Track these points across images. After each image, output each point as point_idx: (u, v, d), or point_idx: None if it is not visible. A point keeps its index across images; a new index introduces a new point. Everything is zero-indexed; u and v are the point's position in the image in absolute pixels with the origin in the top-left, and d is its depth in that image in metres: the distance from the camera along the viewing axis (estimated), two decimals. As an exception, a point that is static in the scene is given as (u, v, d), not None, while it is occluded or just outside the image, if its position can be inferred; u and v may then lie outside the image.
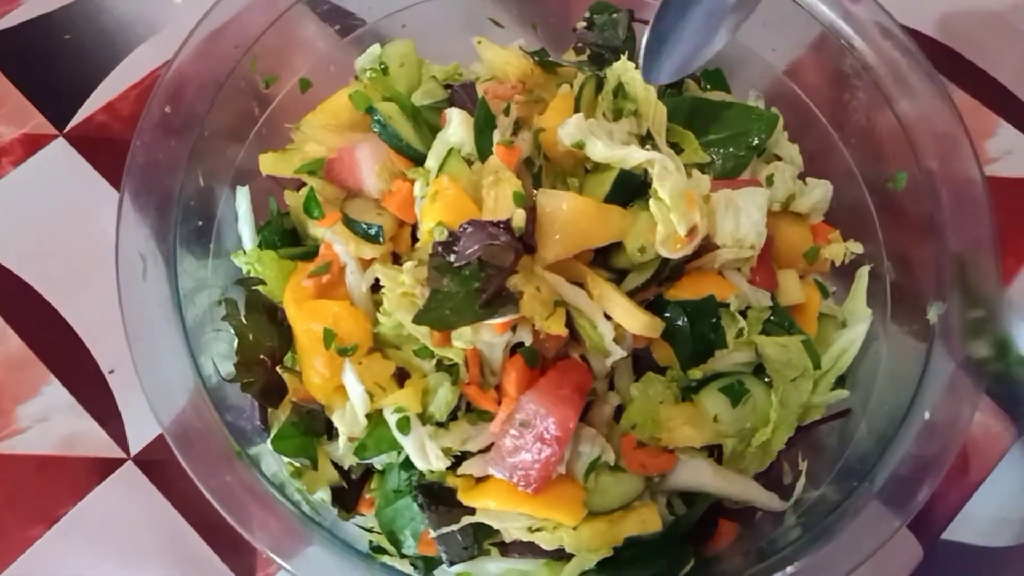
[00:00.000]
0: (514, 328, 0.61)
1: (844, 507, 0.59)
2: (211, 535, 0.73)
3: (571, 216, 0.62)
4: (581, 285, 0.64)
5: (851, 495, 0.59)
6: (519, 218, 0.60)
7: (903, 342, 0.65)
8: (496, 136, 0.66)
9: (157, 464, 0.76)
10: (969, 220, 0.62)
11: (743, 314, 0.67)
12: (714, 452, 0.67)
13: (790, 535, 0.62)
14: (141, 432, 0.77)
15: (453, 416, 0.63)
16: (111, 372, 0.79)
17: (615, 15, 0.76)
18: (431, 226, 0.63)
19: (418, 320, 0.59)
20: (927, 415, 0.60)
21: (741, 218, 0.63)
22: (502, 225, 0.60)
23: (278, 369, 0.66)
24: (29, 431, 0.77)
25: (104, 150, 0.87)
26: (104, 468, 0.76)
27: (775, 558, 0.59)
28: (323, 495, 0.65)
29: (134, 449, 0.76)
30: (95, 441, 0.76)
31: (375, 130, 0.70)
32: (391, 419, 0.61)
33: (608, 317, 0.63)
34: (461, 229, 0.60)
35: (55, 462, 0.76)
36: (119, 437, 0.77)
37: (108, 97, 0.89)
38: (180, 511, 0.74)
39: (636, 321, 0.62)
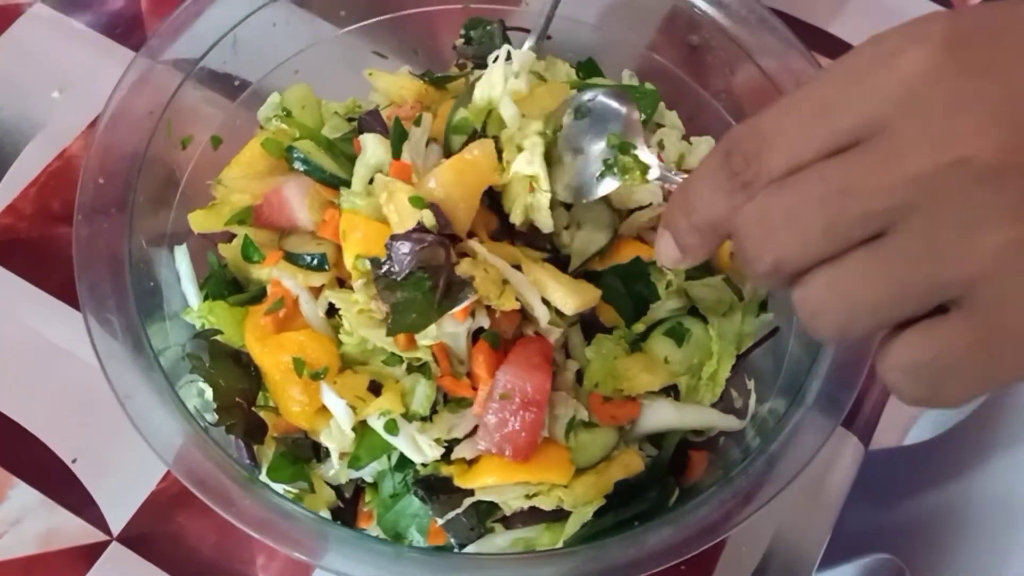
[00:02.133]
0: (473, 314, 0.66)
1: (787, 416, 0.66)
2: (216, 590, 0.74)
3: (455, 176, 0.68)
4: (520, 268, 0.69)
5: (792, 404, 0.66)
6: (428, 217, 0.65)
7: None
8: (406, 151, 0.71)
9: (143, 538, 0.75)
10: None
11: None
12: (671, 392, 0.73)
13: (752, 446, 0.68)
14: (119, 511, 0.76)
15: (434, 410, 0.67)
16: (74, 461, 0.78)
17: (488, 27, 0.83)
18: (352, 261, 0.67)
19: (391, 332, 0.63)
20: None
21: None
22: (420, 228, 0.65)
23: (254, 409, 0.68)
24: (5, 536, 0.75)
25: (16, 252, 0.87)
26: (90, 554, 0.75)
27: (744, 464, 0.65)
28: (325, 515, 0.68)
29: (116, 529, 0.76)
30: (74, 531, 0.76)
31: (298, 167, 0.73)
32: (378, 424, 0.65)
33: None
34: (388, 246, 0.64)
35: (39, 561, 0.75)
36: (98, 521, 0.76)
37: (8, 200, 0.89)
38: (178, 576, 0.74)
39: (572, 301, 0.68)
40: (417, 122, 0.73)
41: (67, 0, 0.99)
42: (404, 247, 0.63)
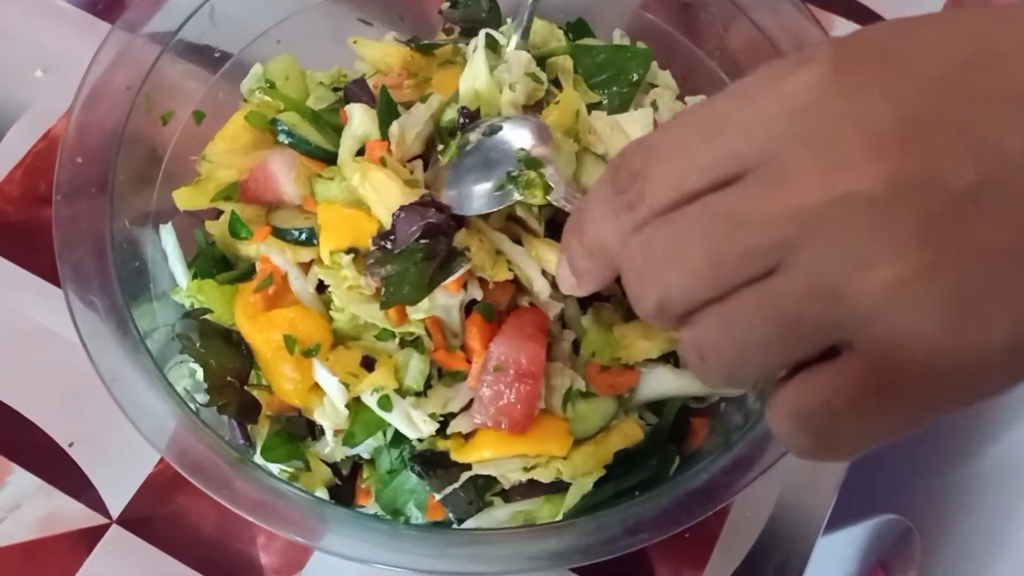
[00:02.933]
0: (465, 287, 0.64)
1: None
2: (218, 571, 0.73)
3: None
4: (520, 242, 0.68)
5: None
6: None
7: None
8: (398, 128, 0.69)
9: (144, 520, 0.75)
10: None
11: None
12: (671, 359, 0.72)
13: (752, 412, 0.67)
14: (118, 494, 0.76)
15: (428, 385, 0.66)
16: (71, 445, 0.78)
17: (475, -10, 0.81)
18: (328, 256, 0.66)
19: (385, 305, 0.62)
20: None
21: (630, 139, 0.68)
22: (430, 201, 0.63)
23: (247, 388, 0.67)
24: (4, 522, 0.75)
25: (4, 235, 0.85)
26: (90, 538, 0.75)
27: (745, 429, 0.64)
28: (321, 494, 0.67)
29: (115, 512, 0.76)
30: (74, 515, 0.75)
31: (283, 140, 0.72)
32: (371, 401, 0.64)
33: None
34: (395, 216, 0.63)
35: (39, 545, 0.75)
36: (97, 505, 0.76)
37: (-6, 183, 0.88)
38: (179, 558, 0.74)
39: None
40: (424, 99, 0.71)
41: (48, -24, 0.97)
42: (411, 218, 0.62)
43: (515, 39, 0.75)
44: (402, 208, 0.63)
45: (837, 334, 0.36)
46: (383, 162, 0.67)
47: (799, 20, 0.72)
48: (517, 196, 0.62)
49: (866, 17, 0.98)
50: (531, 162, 0.62)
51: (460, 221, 0.64)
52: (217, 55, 0.78)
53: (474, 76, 0.71)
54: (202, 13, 0.74)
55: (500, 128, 0.66)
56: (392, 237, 0.63)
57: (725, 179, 0.38)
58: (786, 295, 0.36)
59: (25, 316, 0.81)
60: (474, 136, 0.66)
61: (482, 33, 0.73)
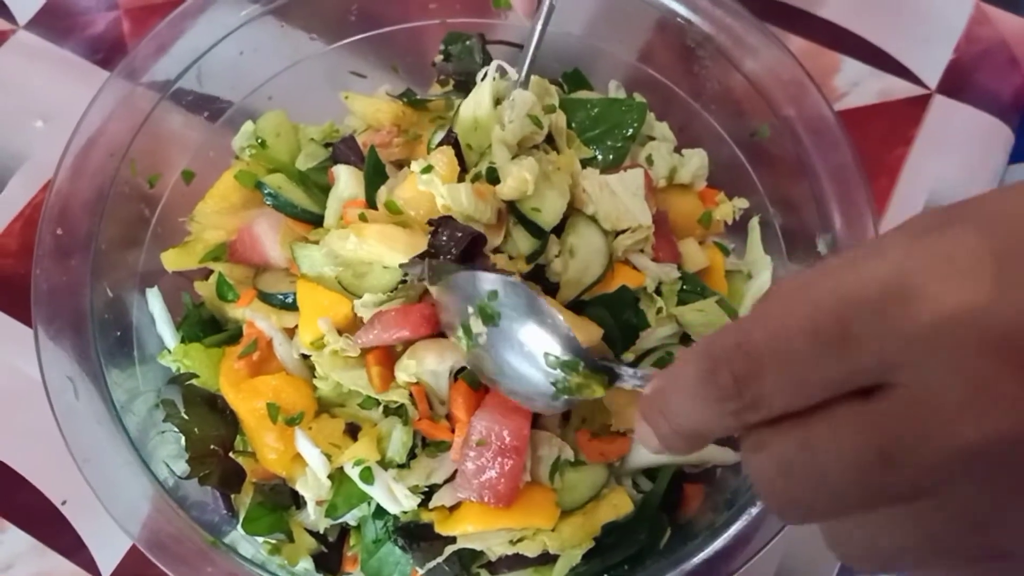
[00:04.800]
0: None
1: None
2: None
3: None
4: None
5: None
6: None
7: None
8: (383, 191, 0.68)
9: (134, 581, 0.75)
10: (831, 151, 0.67)
11: (658, 292, 0.71)
12: (663, 424, 0.70)
13: (750, 480, 0.65)
14: (109, 554, 0.76)
15: (412, 455, 0.64)
16: (64, 503, 0.78)
17: (468, 43, 0.80)
18: (307, 342, 0.65)
19: (432, 282, 0.62)
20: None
21: (620, 201, 0.66)
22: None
23: (231, 455, 0.67)
24: (-5, 584, 0.75)
25: (2, 289, 0.86)
26: (80, 599, 0.75)
27: (741, 502, 0.62)
28: (306, 564, 0.66)
29: (106, 572, 0.75)
30: (65, 575, 0.75)
31: (268, 203, 0.71)
32: (353, 473, 0.63)
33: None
34: (435, 227, 0.63)
35: (29, 607, 0.75)
36: (88, 565, 0.76)
37: (-8, 235, 0.88)
38: (168, 620, 0.73)
39: (582, 338, 0.65)
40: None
41: (49, 26, 0.97)
42: (451, 230, 0.62)
43: (522, 73, 0.73)
44: (440, 221, 0.62)
45: (995, 551, 0.36)
46: (363, 218, 0.66)
47: (794, 74, 0.70)
48: (577, 401, 0.58)
49: (874, 56, 0.96)
50: (567, 366, 0.56)
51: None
52: (210, 109, 0.77)
53: (477, 103, 0.70)
54: (195, 70, 0.74)
55: (498, 314, 0.59)
56: (434, 250, 0.62)
57: (854, 389, 0.36)
58: (942, 524, 0.36)
59: (22, 371, 0.81)
60: (476, 325, 0.60)
61: (495, 63, 0.71)
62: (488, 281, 0.59)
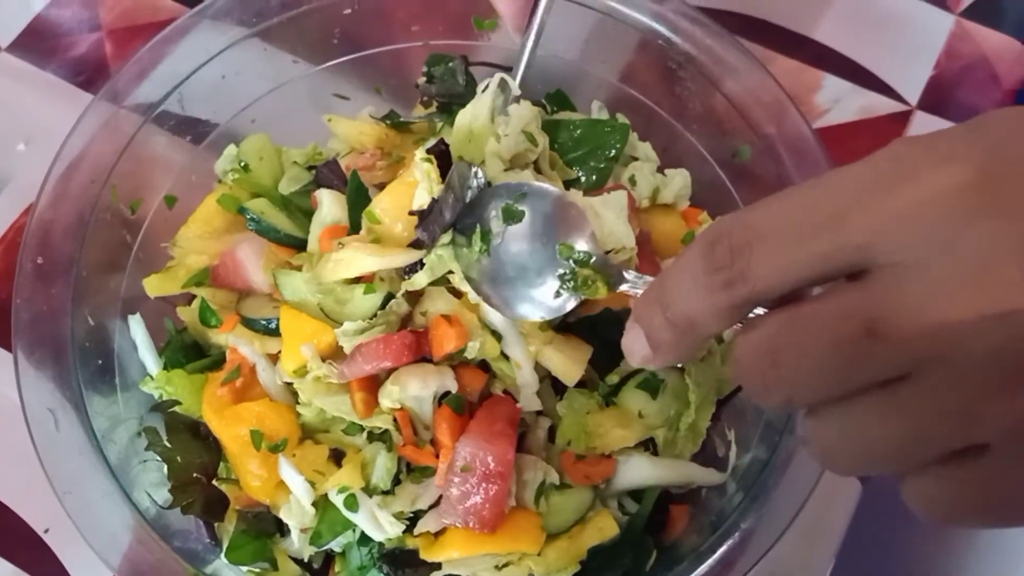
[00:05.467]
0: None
1: (773, 462, 0.63)
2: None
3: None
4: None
5: (777, 448, 0.63)
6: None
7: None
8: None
9: (116, 609, 0.74)
10: (810, 169, 0.68)
11: (642, 311, 0.71)
12: (649, 446, 0.70)
13: (734, 501, 0.65)
14: (92, 583, 0.75)
15: (397, 481, 0.64)
16: (47, 531, 0.77)
17: (451, 64, 0.80)
18: (290, 371, 0.65)
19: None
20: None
21: (604, 223, 0.67)
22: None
23: (215, 483, 0.66)
24: (-24, 614, 0.74)
25: (-18, 312, 0.85)
26: (63, 628, 0.74)
27: (726, 525, 0.62)
28: (289, 593, 0.66)
29: (88, 601, 0.75)
30: (47, 605, 0.75)
31: (251, 228, 0.71)
32: (337, 500, 0.63)
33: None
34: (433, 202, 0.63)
35: (11, 638, 0.74)
36: (70, 594, 0.75)
37: (-27, 260, 0.87)
38: (151, 649, 0.73)
39: (574, 371, 0.66)
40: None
41: (32, 48, 0.97)
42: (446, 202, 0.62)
43: (516, 87, 0.73)
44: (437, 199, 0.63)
45: (969, 443, 0.36)
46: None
47: (775, 95, 0.70)
48: (574, 302, 0.58)
49: (856, 73, 0.96)
50: (580, 259, 0.57)
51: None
52: (194, 133, 0.77)
53: (475, 114, 0.70)
54: (176, 94, 0.74)
55: (522, 213, 0.60)
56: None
57: (841, 272, 0.37)
58: (921, 408, 0.36)
59: (5, 397, 0.81)
60: (496, 225, 0.61)
61: (497, 75, 0.71)
62: (516, 185, 0.61)
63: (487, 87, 0.71)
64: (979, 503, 0.38)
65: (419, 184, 0.64)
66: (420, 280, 0.63)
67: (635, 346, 0.45)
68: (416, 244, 0.64)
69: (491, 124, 0.70)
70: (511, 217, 0.60)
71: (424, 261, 0.63)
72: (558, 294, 0.58)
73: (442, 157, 0.67)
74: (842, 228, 0.36)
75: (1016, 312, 0.33)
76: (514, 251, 0.60)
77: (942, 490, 0.38)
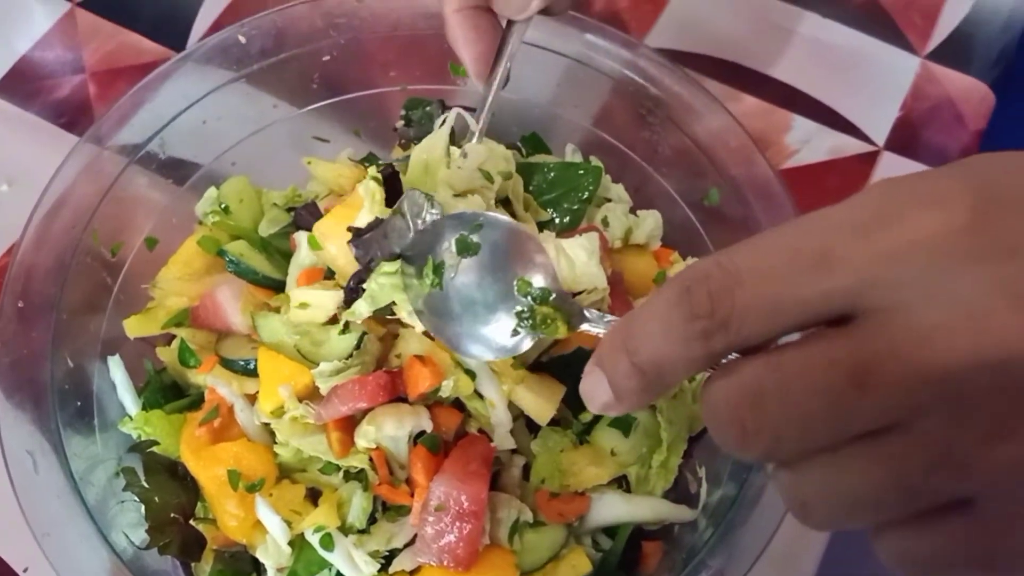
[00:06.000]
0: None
1: (742, 497, 0.64)
2: None
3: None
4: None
5: (744, 485, 0.64)
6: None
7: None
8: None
9: (93, 650, 0.74)
10: (776, 211, 0.70)
11: (614, 350, 0.72)
12: (622, 483, 0.71)
13: (705, 537, 0.67)
14: (70, 622, 0.75)
15: (372, 519, 0.65)
16: (25, 570, 0.77)
17: (428, 108, 0.81)
18: (268, 412, 0.65)
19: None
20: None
21: (576, 264, 0.68)
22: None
23: (192, 522, 0.67)
24: (-48, 655, 0.74)
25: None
26: (39, 670, 0.74)
27: (696, 561, 0.63)
28: (267, 633, 0.66)
29: (67, 641, 0.75)
30: (24, 646, 0.75)
31: (230, 270, 0.72)
32: (313, 540, 0.63)
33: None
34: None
35: None
36: (49, 634, 0.75)
37: (-46, 301, 0.88)
38: None
39: (546, 410, 0.67)
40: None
41: (15, 90, 0.98)
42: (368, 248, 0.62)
43: (478, 133, 0.72)
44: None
45: (954, 497, 0.36)
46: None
47: (742, 142, 0.73)
48: (530, 342, 0.55)
49: (825, 115, 0.99)
50: (540, 295, 0.54)
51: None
52: (175, 176, 0.79)
53: (430, 148, 0.69)
54: (157, 139, 0.76)
55: (478, 245, 0.57)
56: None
57: (828, 317, 0.36)
58: (909, 460, 0.35)
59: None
60: (450, 258, 0.58)
61: (454, 110, 0.72)
62: (472, 215, 0.58)
63: (444, 121, 0.71)
64: (960, 560, 0.36)
65: (363, 205, 0.63)
66: (361, 310, 0.62)
67: (596, 391, 0.42)
68: (359, 279, 0.62)
69: (446, 157, 0.69)
70: (466, 249, 0.57)
71: (364, 287, 0.61)
72: (515, 332, 0.55)
73: (390, 181, 0.66)
74: (830, 271, 0.35)
75: (1011, 358, 0.33)
76: (467, 285, 0.57)
77: (922, 546, 0.37)
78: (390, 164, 0.67)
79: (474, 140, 0.72)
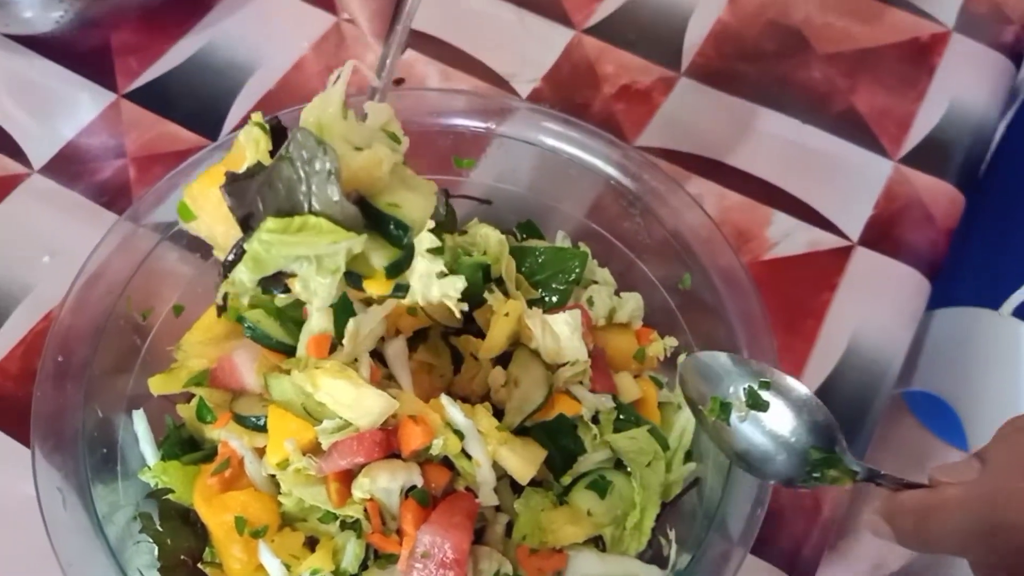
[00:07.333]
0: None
1: (700, 555, 0.69)
2: None
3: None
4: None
5: (703, 543, 0.69)
6: None
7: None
8: (351, 324, 0.76)
9: None
10: (741, 300, 0.77)
11: (595, 420, 0.79)
12: (598, 542, 0.77)
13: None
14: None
15: (364, 566, 0.71)
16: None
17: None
18: (274, 464, 0.71)
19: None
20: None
21: (560, 338, 0.75)
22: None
23: (200, 565, 0.73)
24: None
25: (2, 410, 0.93)
26: None
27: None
28: (265, 670, 0.71)
29: None
30: None
31: (247, 335, 0.80)
32: (310, 583, 0.69)
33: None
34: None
35: None
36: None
37: (-4, 360, 0.96)
38: None
39: (527, 470, 0.73)
40: (380, 301, 0.76)
41: (61, 171, 1.08)
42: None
43: (379, 92, 0.68)
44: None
45: None
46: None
47: (710, 230, 0.81)
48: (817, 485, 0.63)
49: (803, 211, 1.07)
50: (829, 460, 0.62)
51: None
52: (202, 250, 0.86)
53: (323, 105, 0.63)
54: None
55: (765, 404, 0.65)
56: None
57: None
58: None
59: (20, 489, 0.86)
60: (739, 407, 0.66)
61: (349, 62, 0.64)
62: (759, 368, 0.66)
63: (338, 78, 0.63)
64: None
65: (246, 154, 0.57)
66: (243, 278, 0.55)
67: (880, 531, 0.60)
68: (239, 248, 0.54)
69: (342, 112, 0.64)
70: (756, 407, 0.65)
71: (245, 248, 0.54)
72: (789, 481, 0.63)
73: (277, 133, 0.61)
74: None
75: None
76: (754, 433, 0.65)
77: None
78: (276, 116, 0.62)
79: (376, 98, 0.69)
